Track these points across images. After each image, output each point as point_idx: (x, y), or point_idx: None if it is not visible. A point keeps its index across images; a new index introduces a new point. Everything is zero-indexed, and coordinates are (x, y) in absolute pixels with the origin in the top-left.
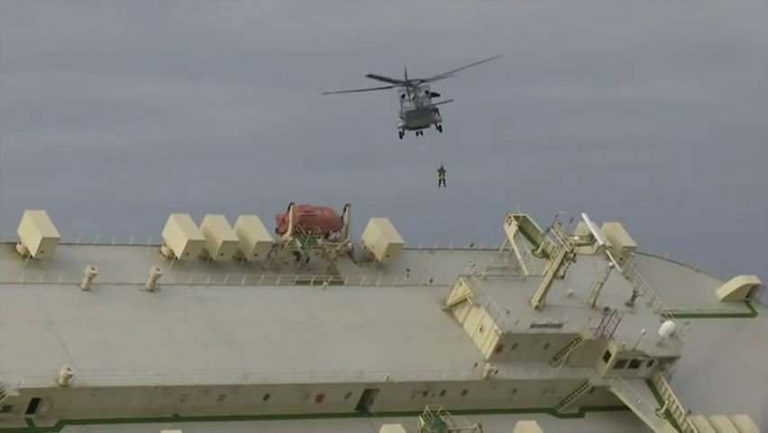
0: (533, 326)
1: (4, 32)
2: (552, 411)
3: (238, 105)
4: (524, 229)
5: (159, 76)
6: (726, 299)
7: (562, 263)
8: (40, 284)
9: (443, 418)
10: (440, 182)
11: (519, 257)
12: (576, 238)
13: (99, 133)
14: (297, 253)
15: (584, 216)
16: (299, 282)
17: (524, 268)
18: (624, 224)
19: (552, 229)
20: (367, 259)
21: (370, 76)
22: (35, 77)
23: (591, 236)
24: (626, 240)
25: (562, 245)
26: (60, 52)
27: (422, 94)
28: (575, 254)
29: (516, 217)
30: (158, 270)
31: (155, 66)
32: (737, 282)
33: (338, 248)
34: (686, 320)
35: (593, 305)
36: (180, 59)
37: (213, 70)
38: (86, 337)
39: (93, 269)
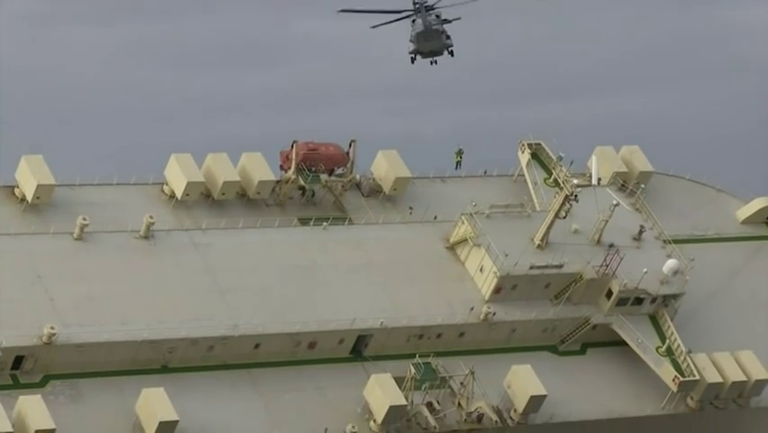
0: (532, 267)
1: None
2: (552, 349)
3: None
4: (538, 156)
5: None
6: (747, 221)
7: (563, 205)
8: (30, 235)
9: (434, 365)
10: (456, 165)
11: (531, 187)
12: (576, 181)
13: None
14: (302, 188)
15: (594, 157)
16: (302, 219)
17: (534, 198)
18: (645, 146)
19: (554, 170)
20: (375, 191)
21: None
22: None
23: (599, 181)
24: (643, 165)
25: (562, 188)
26: None
27: (432, 17)
28: (576, 196)
29: (530, 145)
30: (151, 217)
31: None
32: (758, 204)
33: (343, 183)
34: (691, 257)
35: (598, 241)
36: None
37: None
38: (74, 291)
39: (84, 219)
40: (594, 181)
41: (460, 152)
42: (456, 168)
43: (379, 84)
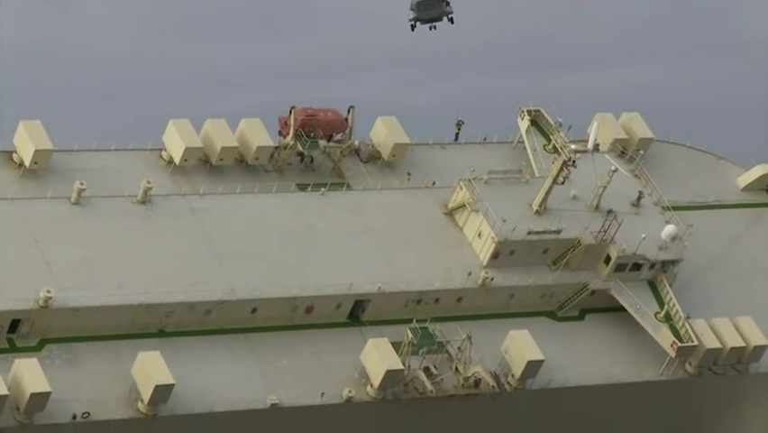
0: (530, 233)
1: None
2: (551, 315)
3: None
4: (537, 123)
5: None
6: (747, 189)
7: (561, 171)
8: (28, 199)
9: (431, 330)
10: (456, 136)
11: (530, 153)
12: (574, 147)
13: None
14: (300, 154)
15: (595, 123)
16: (300, 185)
17: (533, 164)
18: (644, 113)
19: (552, 137)
20: (374, 157)
21: None
22: None
23: (595, 144)
24: (643, 131)
25: (560, 153)
26: None
27: None
28: (574, 162)
29: (529, 112)
30: (148, 182)
31: None
32: (759, 171)
33: (342, 149)
34: (689, 222)
35: (596, 207)
36: None
37: None
38: (71, 255)
39: (81, 184)
40: (590, 145)
41: (459, 124)
42: (456, 139)
43: (379, 53)
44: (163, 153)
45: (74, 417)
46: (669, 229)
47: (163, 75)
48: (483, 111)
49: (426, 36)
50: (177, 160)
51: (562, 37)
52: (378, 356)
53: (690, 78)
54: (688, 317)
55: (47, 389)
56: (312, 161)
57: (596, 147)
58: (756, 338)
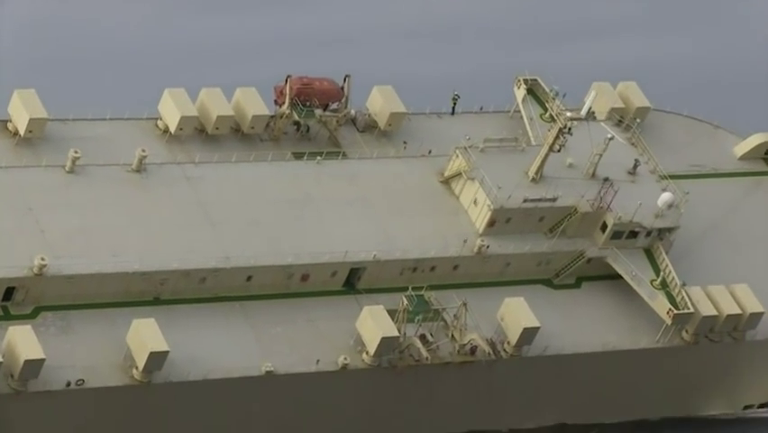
0: (526, 200)
1: None
2: (547, 282)
3: None
4: (534, 92)
5: None
6: (744, 157)
7: (557, 138)
8: (22, 168)
9: (426, 297)
10: (452, 109)
11: (526, 122)
12: (569, 114)
13: None
14: (297, 124)
15: (593, 92)
16: (296, 154)
17: (530, 133)
18: (642, 83)
19: (548, 104)
20: (371, 127)
21: None
22: None
23: (590, 111)
24: (640, 100)
25: (556, 120)
26: None
27: None
28: (570, 129)
29: (526, 81)
30: (143, 150)
31: None
32: (756, 139)
33: (338, 118)
34: (686, 190)
35: (593, 175)
36: None
37: None
38: (65, 223)
39: (76, 152)
40: (584, 111)
41: (455, 98)
42: (452, 113)
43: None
44: (159, 123)
45: (68, 384)
46: (665, 196)
47: (162, 48)
48: (482, 84)
49: (425, 8)
50: (172, 129)
51: (560, 8)
52: (373, 323)
53: (688, 50)
54: (684, 285)
55: (41, 356)
56: (308, 130)
57: (591, 114)
58: (752, 305)
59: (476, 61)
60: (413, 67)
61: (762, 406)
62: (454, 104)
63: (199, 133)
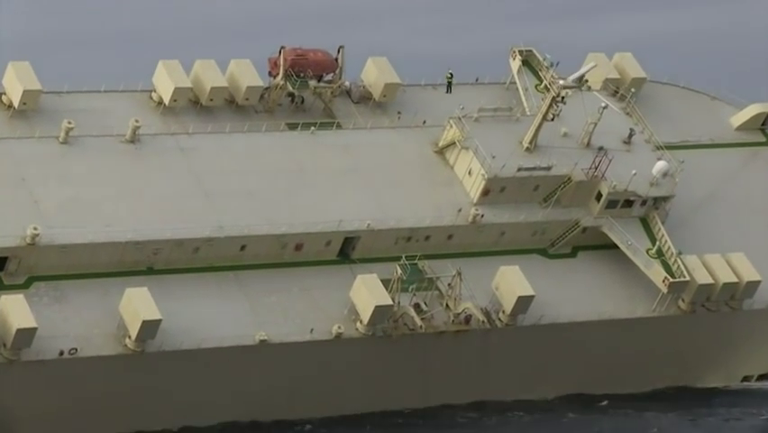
0: (520, 169)
1: None
2: (543, 252)
3: None
4: (529, 63)
5: None
6: (741, 128)
7: (550, 107)
8: (16, 139)
9: (420, 266)
10: (447, 87)
11: (521, 93)
12: (561, 82)
13: None
14: (291, 95)
15: (592, 63)
16: (290, 124)
17: (524, 103)
18: (637, 54)
19: (541, 73)
20: (365, 98)
21: None
22: None
23: (581, 79)
24: (635, 71)
25: (549, 89)
26: None
27: None
28: (563, 98)
29: (521, 52)
30: (137, 121)
31: None
32: (753, 110)
33: (332, 89)
34: (681, 159)
35: (587, 144)
36: None
37: None
38: (58, 193)
39: (69, 123)
40: (575, 76)
41: (449, 76)
42: (447, 91)
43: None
44: (153, 95)
45: (61, 353)
46: (660, 165)
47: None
48: (479, 60)
49: None
50: (166, 100)
51: None
52: (367, 292)
53: (686, 23)
54: (680, 253)
55: (33, 324)
56: (303, 101)
57: (585, 82)
58: (749, 274)
59: (472, 36)
60: (408, 41)
61: (761, 377)
62: (449, 83)
63: (194, 105)
